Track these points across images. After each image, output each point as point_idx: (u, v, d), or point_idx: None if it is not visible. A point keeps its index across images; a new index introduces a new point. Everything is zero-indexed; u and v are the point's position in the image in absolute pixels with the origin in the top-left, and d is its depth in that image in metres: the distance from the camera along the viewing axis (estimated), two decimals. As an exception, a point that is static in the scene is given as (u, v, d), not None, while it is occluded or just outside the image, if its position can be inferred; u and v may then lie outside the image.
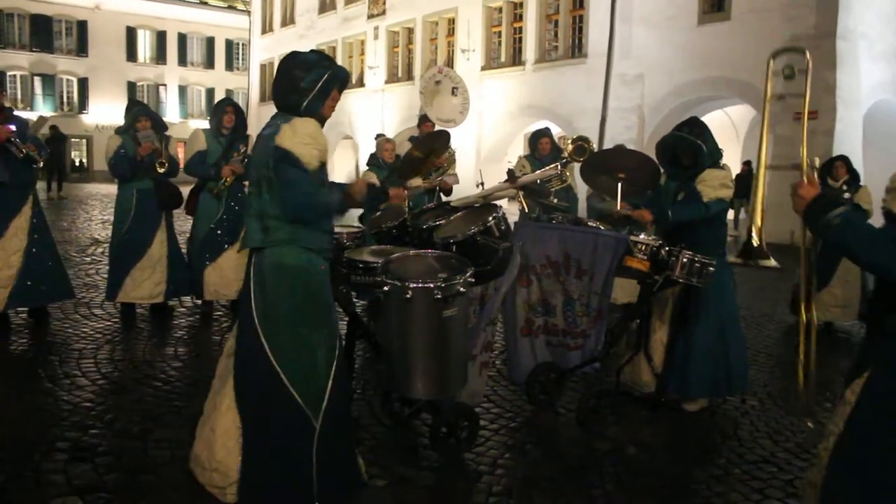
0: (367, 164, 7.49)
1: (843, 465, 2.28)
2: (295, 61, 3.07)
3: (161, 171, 6.50)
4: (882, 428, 2.18)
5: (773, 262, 3.11)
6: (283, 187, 2.98)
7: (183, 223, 12.34)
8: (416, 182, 4.70)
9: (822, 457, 2.42)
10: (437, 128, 7.78)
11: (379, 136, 7.96)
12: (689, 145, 4.60)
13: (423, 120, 7.99)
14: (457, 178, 7.55)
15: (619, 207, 4.65)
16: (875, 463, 2.18)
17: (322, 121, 3.13)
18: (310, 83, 3.03)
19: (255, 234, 3.09)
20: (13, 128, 5.85)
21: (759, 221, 3.01)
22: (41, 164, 6.22)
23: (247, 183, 5.27)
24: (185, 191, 6.73)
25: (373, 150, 7.58)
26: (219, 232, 6.69)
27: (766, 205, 3.04)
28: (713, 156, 4.66)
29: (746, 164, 18.99)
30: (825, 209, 2.25)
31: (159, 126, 6.64)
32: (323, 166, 3.08)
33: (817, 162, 2.53)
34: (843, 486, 2.26)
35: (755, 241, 3.01)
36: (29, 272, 5.99)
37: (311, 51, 3.21)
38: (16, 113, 6.31)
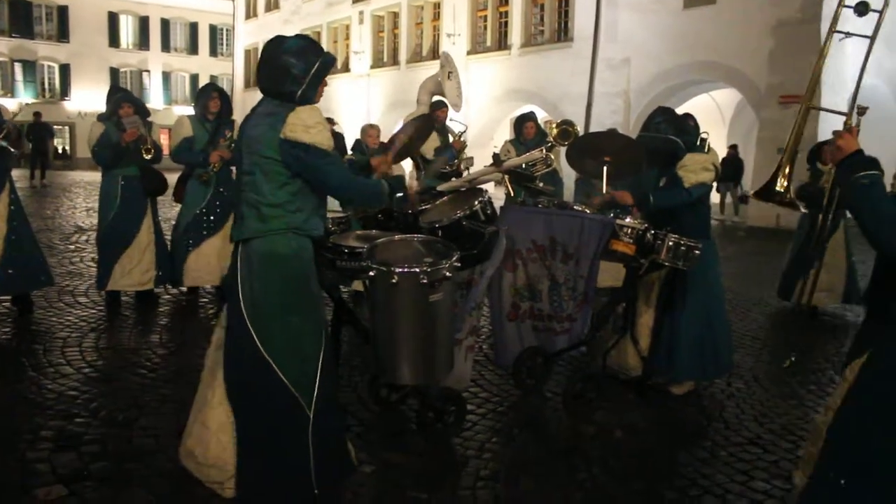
0: (352, 150, 7.51)
1: (839, 438, 2.38)
2: (283, 47, 3.02)
3: (147, 157, 6.43)
4: (877, 407, 2.28)
5: (797, 206, 3.05)
6: (320, 178, 3.02)
7: (168, 210, 12.27)
8: (452, 184, 4.64)
9: (820, 430, 2.51)
10: (449, 112, 7.81)
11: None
12: (662, 144, 4.58)
13: (439, 105, 7.89)
14: (471, 161, 7.61)
15: (604, 191, 4.65)
16: (868, 437, 2.28)
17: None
18: (303, 71, 2.99)
19: (252, 223, 3.04)
20: None
21: (787, 169, 2.95)
22: (14, 151, 6.08)
23: (234, 168, 5.23)
24: (171, 178, 6.67)
25: (357, 135, 7.59)
26: (206, 217, 6.65)
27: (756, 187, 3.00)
28: (692, 141, 4.66)
29: (733, 147, 19.05)
30: (859, 167, 2.28)
31: (142, 112, 6.56)
32: None
33: (857, 116, 2.52)
34: (837, 457, 2.36)
35: (780, 185, 2.95)
36: (9, 260, 5.85)
37: (297, 35, 3.16)
38: None
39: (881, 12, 2.78)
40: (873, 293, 2.45)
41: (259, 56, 3.14)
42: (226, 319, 3.21)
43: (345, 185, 3.10)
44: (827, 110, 3.18)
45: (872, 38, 2.83)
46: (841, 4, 2.86)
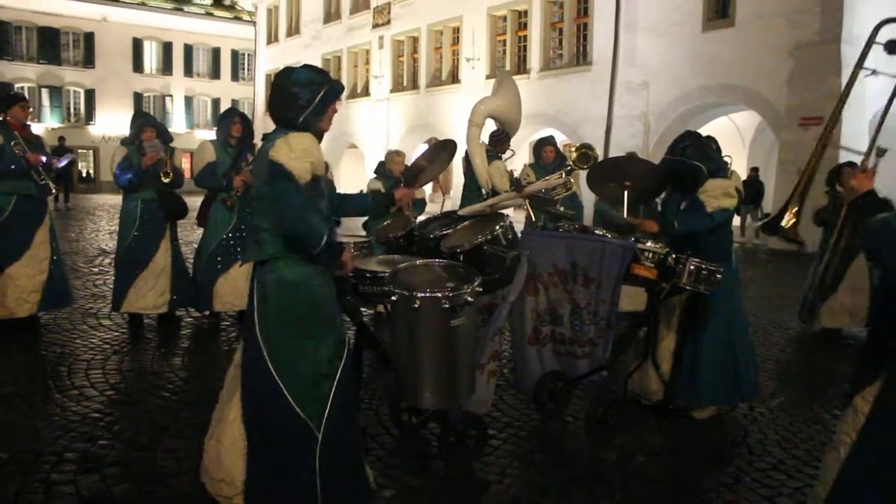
0: (375, 172, 7.57)
1: (855, 474, 2.26)
2: (290, 78, 3.08)
3: (165, 181, 6.53)
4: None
5: (799, 241, 3.04)
6: (275, 201, 2.99)
7: (189, 234, 12.39)
8: (473, 209, 4.56)
9: (830, 466, 2.40)
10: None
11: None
12: (687, 170, 4.58)
13: (505, 140, 7.57)
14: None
15: (625, 215, 4.65)
16: (890, 473, 2.18)
17: (320, 133, 3.15)
18: (307, 100, 3.05)
19: (257, 247, 3.12)
20: (43, 158, 6.39)
21: (796, 207, 2.94)
22: (53, 193, 6.72)
23: None
24: (192, 201, 6.75)
25: (378, 158, 7.63)
26: (232, 242, 6.70)
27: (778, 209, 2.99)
28: (716, 168, 4.64)
29: (754, 170, 18.98)
30: (871, 209, 2.28)
31: (165, 137, 6.67)
32: (317, 179, 3.06)
33: (875, 158, 2.52)
34: (854, 493, 2.26)
35: (787, 221, 2.93)
36: (54, 279, 6.52)
37: (306, 66, 3.21)
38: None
39: None
40: (889, 310, 2.37)
41: (270, 87, 3.21)
42: (243, 339, 3.25)
43: (296, 219, 2.95)
44: (848, 150, 3.15)
45: None
46: (871, 43, 2.84)
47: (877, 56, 3.06)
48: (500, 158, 7.76)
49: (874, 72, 2.88)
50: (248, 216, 6.67)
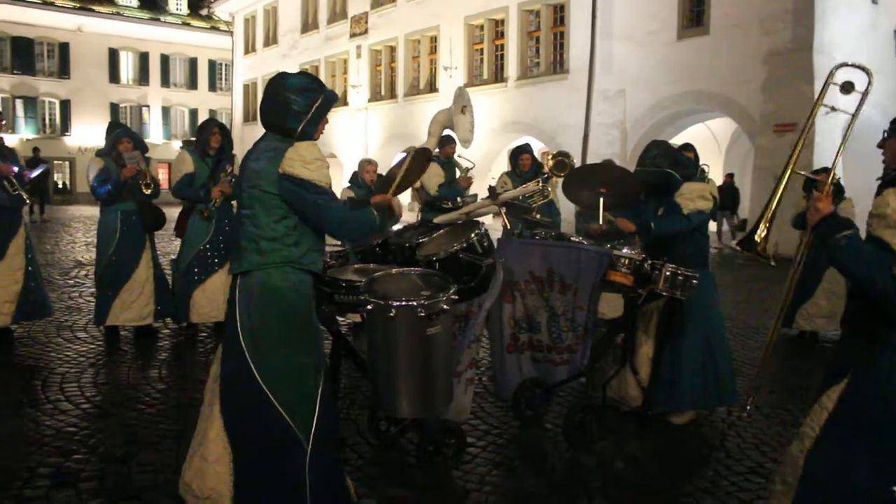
0: (349, 182, 7.60)
1: (819, 468, 2.42)
2: (286, 84, 3.06)
3: (147, 192, 6.50)
4: (859, 433, 2.32)
5: (769, 260, 3.13)
6: (318, 214, 3.01)
7: (167, 245, 12.29)
8: (449, 217, 4.70)
9: (795, 456, 2.52)
10: (457, 148, 7.88)
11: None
12: (656, 178, 4.63)
13: (448, 141, 7.91)
14: (474, 196, 7.67)
15: (601, 222, 4.67)
16: (850, 465, 2.32)
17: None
18: (304, 107, 3.04)
19: (251, 257, 3.05)
20: (15, 168, 6.32)
21: (768, 218, 3.02)
22: (27, 203, 6.62)
23: (235, 203, 5.28)
24: (170, 212, 6.70)
25: (356, 168, 7.66)
26: (210, 253, 6.65)
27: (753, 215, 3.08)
28: (690, 172, 4.70)
29: (729, 176, 19.16)
30: (836, 228, 2.41)
31: (141, 147, 6.62)
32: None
33: (840, 179, 2.66)
34: (819, 485, 2.41)
35: (759, 235, 3.01)
36: (29, 291, 6.45)
37: (300, 73, 3.20)
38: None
39: (864, 94, 2.87)
40: (853, 313, 2.48)
41: (262, 92, 3.19)
42: (223, 352, 3.21)
43: (343, 222, 3.09)
44: (806, 175, 3.27)
45: (854, 117, 2.94)
46: (828, 82, 2.98)
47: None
48: (449, 163, 8.12)
49: (833, 108, 3.02)
50: (225, 228, 6.64)
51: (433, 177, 7.79)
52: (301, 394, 3.03)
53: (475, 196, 7.87)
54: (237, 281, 3.12)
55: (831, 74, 2.98)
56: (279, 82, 3.08)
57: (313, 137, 3.11)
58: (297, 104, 3.03)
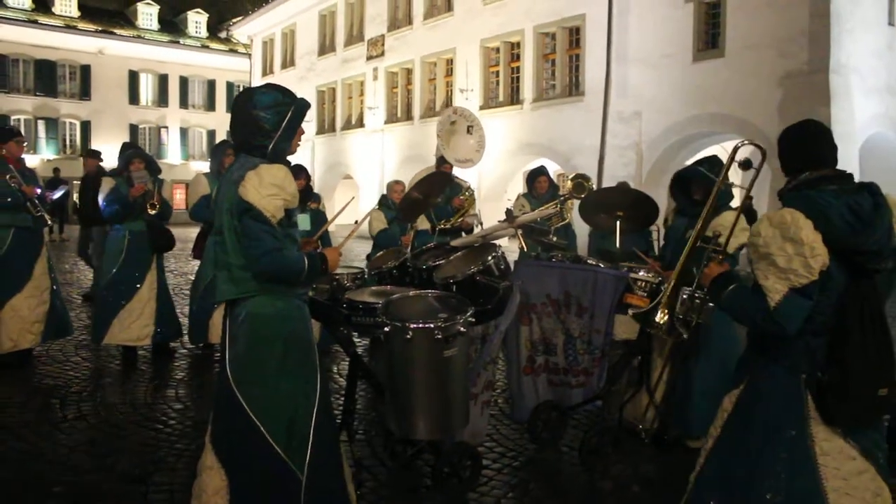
0: (378, 205, 7.66)
1: (715, 460, 2.77)
2: (253, 101, 2.93)
3: (152, 212, 6.51)
4: (746, 435, 2.65)
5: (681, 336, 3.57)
6: (248, 242, 2.85)
7: (184, 265, 12.37)
8: (465, 240, 4.67)
9: (701, 456, 2.89)
10: (455, 169, 7.93)
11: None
12: (702, 179, 4.62)
13: (441, 162, 8.00)
14: (478, 217, 7.61)
15: (617, 245, 4.67)
16: (736, 457, 2.66)
17: (288, 157, 3.06)
18: (274, 124, 2.92)
19: (226, 286, 2.97)
20: (38, 190, 6.46)
21: (670, 301, 3.38)
22: (49, 224, 6.76)
23: None
24: (188, 233, 6.75)
25: (372, 189, 7.72)
26: None
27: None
28: (726, 199, 4.70)
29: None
30: (722, 286, 2.75)
31: (153, 169, 6.67)
32: (290, 213, 2.95)
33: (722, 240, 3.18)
34: (707, 483, 2.78)
35: (660, 317, 3.42)
36: (54, 308, 6.58)
37: (268, 85, 3.03)
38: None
39: (757, 170, 3.12)
40: (750, 330, 2.76)
41: (230, 110, 3.07)
42: (216, 382, 3.14)
43: (266, 255, 2.83)
44: (703, 246, 3.40)
45: (748, 191, 3.31)
46: (731, 161, 3.34)
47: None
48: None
49: (733, 184, 3.34)
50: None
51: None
52: (292, 422, 2.94)
53: (475, 215, 7.70)
54: (225, 309, 3.06)
55: (735, 150, 3.27)
56: (247, 100, 2.95)
57: (288, 152, 3.02)
58: (267, 122, 2.91)
